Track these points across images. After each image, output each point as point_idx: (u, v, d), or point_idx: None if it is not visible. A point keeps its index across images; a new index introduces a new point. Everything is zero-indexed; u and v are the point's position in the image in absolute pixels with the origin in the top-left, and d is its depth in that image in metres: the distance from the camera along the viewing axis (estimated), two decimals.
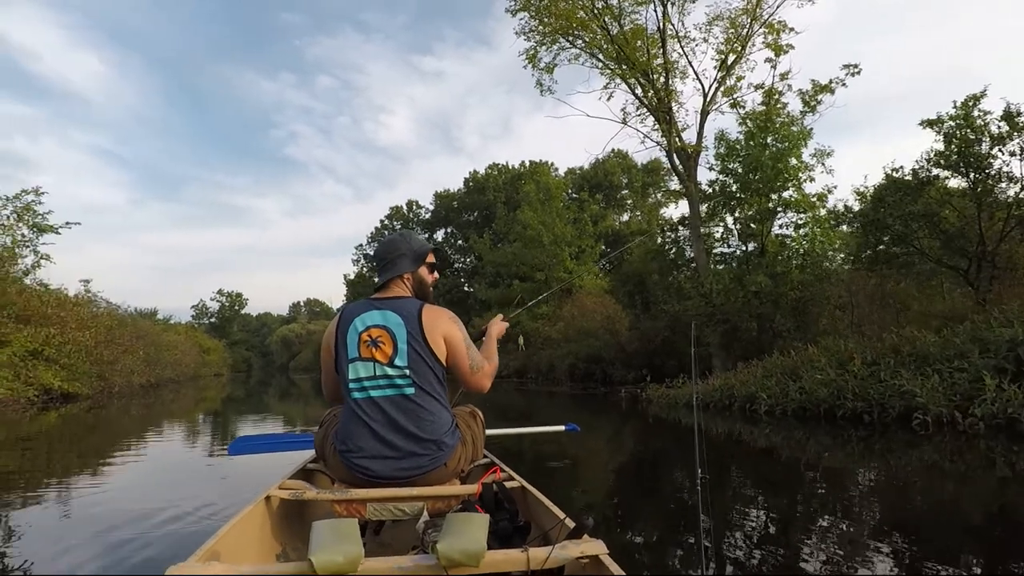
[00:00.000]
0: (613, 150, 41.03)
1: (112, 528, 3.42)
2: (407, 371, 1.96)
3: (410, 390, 1.95)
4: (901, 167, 11.68)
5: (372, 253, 2.74)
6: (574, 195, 42.53)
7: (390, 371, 1.96)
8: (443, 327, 2.05)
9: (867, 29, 64.09)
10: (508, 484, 2.02)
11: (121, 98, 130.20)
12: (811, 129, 15.55)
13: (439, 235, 55.43)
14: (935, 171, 11.12)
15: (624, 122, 18.32)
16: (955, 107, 10.87)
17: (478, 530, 1.36)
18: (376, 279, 2.24)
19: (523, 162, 50.34)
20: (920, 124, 11.44)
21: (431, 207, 57.12)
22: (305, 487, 2.03)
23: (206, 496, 4.21)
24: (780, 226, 16.37)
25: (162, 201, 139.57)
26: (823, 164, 15.58)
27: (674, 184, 44.42)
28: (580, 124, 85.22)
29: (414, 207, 59.26)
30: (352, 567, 1.24)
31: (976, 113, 10.60)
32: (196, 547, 1.43)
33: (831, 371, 8.61)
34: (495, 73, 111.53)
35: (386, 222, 59.45)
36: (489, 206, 49.62)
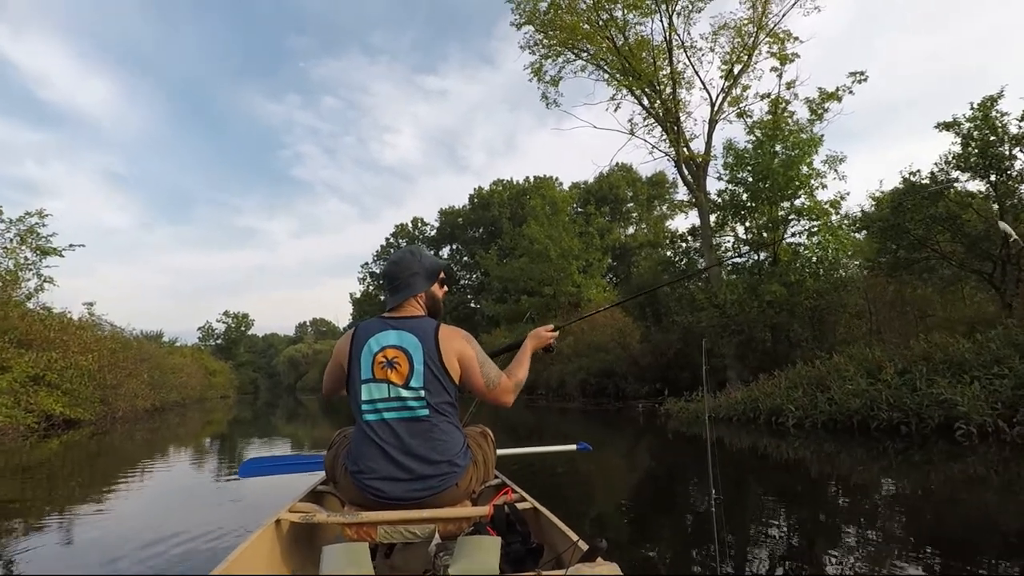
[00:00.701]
0: (618, 163, 40.90)
1: (118, 556, 3.40)
2: (422, 392, 1.93)
3: (424, 412, 1.92)
4: (918, 171, 11.41)
5: (382, 271, 2.63)
6: (579, 209, 42.40)
7: (405, 393, 1.93)
8: (457, 347, 2.03)
9: (870, 33, 64.21)
10: (520, 505, 2.00)
11: (130, 122, 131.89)
12: (822, 136, 15.33)
13: (445, 252, 55.27)
14: (954, 174, 10.81)
15: (632, 133, 18.19)
16: (972, 108, 10.61)
17: (490, 554, 1.36)
18: (385, 297, 2.18)
19: (528, 177, 50.37)
20: (936, 127, 11.19)
21: (436, 224, 57.06)
22: (315, 510, 2.01)
23: (215, 520, 4.18)
24: (793, 234, 16.07)
25: (170, 223, 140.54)
26: (835, 170, 15.33)
27: (680, 196, 44.42)
28: (584, 139, 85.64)
29: (419, 224, 59.21)
30: None
31: (994, 114, 10.32)
32: (206, 573, 1.43)
33: (861, 381, 8.24)
34: (499, 91, 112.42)
35: (391, 240, 59.35)
36: (494, 222, 49.53)
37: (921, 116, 70.87)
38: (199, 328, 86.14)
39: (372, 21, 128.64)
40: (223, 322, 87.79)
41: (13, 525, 4.45)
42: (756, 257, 17.06)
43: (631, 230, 46.73)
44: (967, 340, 8.18)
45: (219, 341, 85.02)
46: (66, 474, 7.83)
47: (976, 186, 10.94)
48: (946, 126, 11.03)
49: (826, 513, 4.32)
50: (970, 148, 10.48)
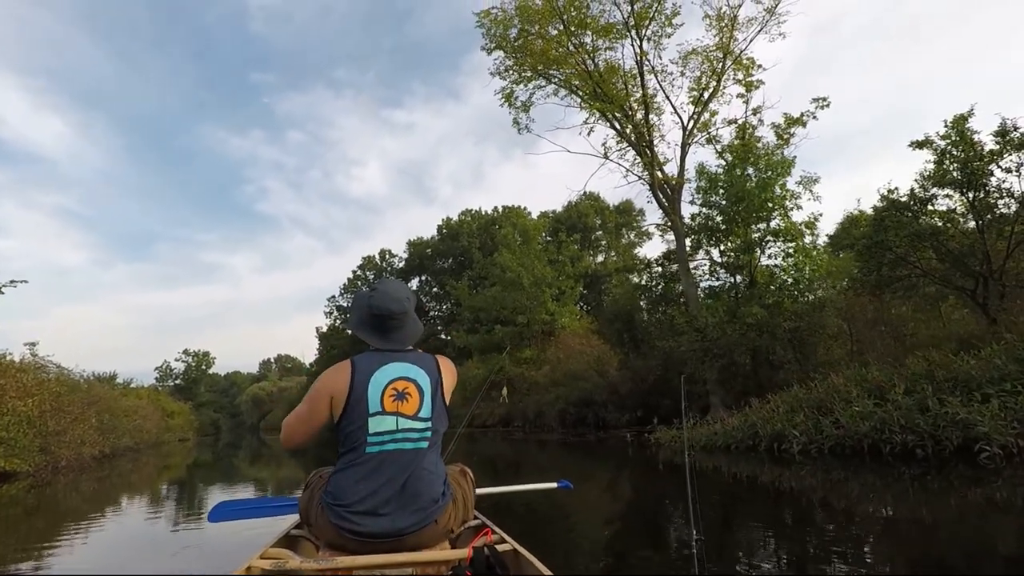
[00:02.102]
0: (586, 192, 41.08)
1: None
2: (430, 424, 1.94)
3: (424, 444, 1.92)
4: (896, 188, 11.42)
5: (369, 307, 2.09)
6: (548, 238, 42.36)
7: (413, 424, 1.92)
8: (451, 381, 2.06)
9: (831, 63, 67.31)
10: (500, 547, 1.96)
11: (86, 159, 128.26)
12: (795, 157, 15.47)
13: (414, 283, 54.53)
14: (933, 190, 10.83)
15: (606, 156, 18.07)
16: (946, 126, 10.71)
17: None
18: (366, 333, 2.08)
19: (496, 207, 50.32)
20: (910, 145, 11.27)
21: (405, 256, 56.40)
22: (288, 555, 1.91)
23: (179, 570, 4.02)
24: (769, 256, 16.05)
25: (129, 261, 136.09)
26: (810, 191, 15.42)
27: (648, 222, 44.92)
28: (552, 168, 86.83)
29: (387, 256, 58.42)
30: None
31: (968, 129, 10.43)
32: None
33: (868, 402, 7.87)
34: (465, 124, 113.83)
35: (359, 272, 58.34)
36: (464, 252, 49.16)
37: (868, 145, 74.10)
38: (156, 368, 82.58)
39: (337, 56, 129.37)
40: (183, 361, 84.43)
41: None
42: (733, 280, 16.97)
43: (600, 258, 46.91)
44: (968, 357, 7.93)
45: (178, 381, 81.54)
46: (1, 531, 7.03)
47: (950, 203, 10.98)
48: (919, 144, 11.13)
49: (831, 548, 3.89)
50: (946, 165, 10.53)
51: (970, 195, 10.47)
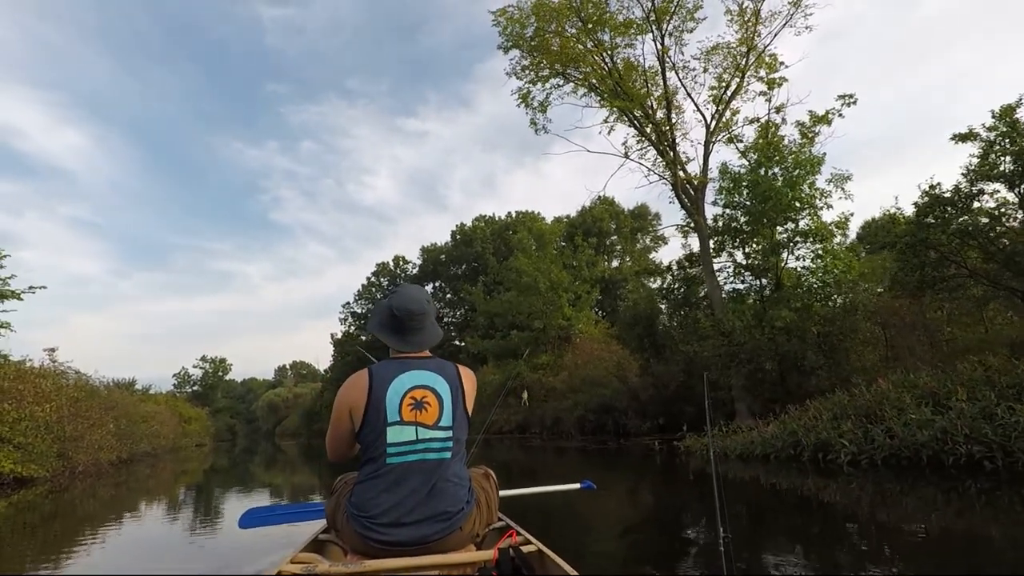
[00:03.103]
0: (600, 197, 40.63)
1: None
2: (451, 433, 1.92)
3: (447, 455, 1.90)
4: (939, 184, 10.89)
5: (392, 309, 2.06)
6: (563, 243, 41.98)
7: (434, 434, 1.90)
8: (472, 390, 2.04)
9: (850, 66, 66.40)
10: (525, 548, 1.98)
11: (103, 170, 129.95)
12: (824, 154, 14.96)
13: (428, 289, 54.10)
14: (979, 185, 10.28)
15: (626, 156, 17.69)
16: (993, 116, 10.18)
17: None
18: (388, 337, 2.05)
19: (510, 213, 50.05)
20: (952, 139, 10.77)
21: (418, 262, 56.30)
22: (317, 560, 1.95)
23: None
24: (797, 258, 15.55)
25: (146, 270, 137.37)
26: (842, 189, 14.90)
27: (664, 226, 44.33)
28: (564, 175, 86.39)
29: (401, 262, 58.38)
30: None
31: (1016, 120, 9.89)
32: None
33: (926, 410, 7.35)
34: (476, 132, 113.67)
35: (373, 279, 58.35)
36: (478, 258, 48.93)
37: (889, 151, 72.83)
38: (174, 375, 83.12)
39: (349, 66, 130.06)
40: (200, 367, 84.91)
41: None
42: (758, 283, 16.49)
43: (615, 263, 46.38)
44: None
45: (196, 387, 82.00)
46: (16, 539, 6.84)
47: (1001, 198, 10.39)
48: (962, 137, 10.62)
49: (882, 563, 3.61)
50: (992, 158, 9.98)
51: (1022, 188, 9.90)
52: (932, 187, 10.89)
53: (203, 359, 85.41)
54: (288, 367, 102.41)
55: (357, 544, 1.90)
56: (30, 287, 16.11)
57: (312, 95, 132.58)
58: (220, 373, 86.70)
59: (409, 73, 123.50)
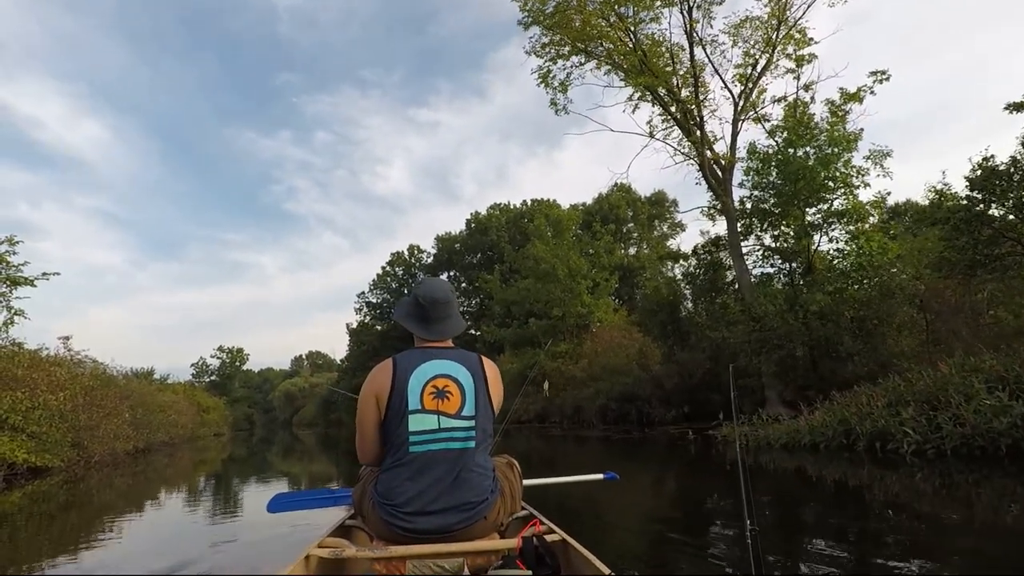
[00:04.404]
0: (617, 184, 39.81)
1: None
2: (473, 423, 1.93)
3: (471, 444, 1.91)
4: (993, 156, 10.13)
5: (417, 298, 2.09)
6: (579, 231, 41.35)
7: (456, 423, 1.91)
8: (498, 385, 2.05)
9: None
10: (549, 537, 1.98)
11: (121, 161, 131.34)
12: (861, 130, 14.22)
13: (443, 278, 53.95)
14: None
15: (651, 135, 17.04)
16: None
17: None
18: (412, 324, 2.07)
19: (525, 201, 49.42)
20: (1006, 108, 10.01)
21: (433, 251, 56.00)
22: (344, 544, 1.99)
23: (239, 556, 4.30)
24: (831, 239, 14.84)
25: (163, 261, 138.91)
26: (881, 166, 14.15)
27: (684, 212, 43.40)
28: (578, 164, 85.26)
29: (416, 252, 58.11)
30: None
31: None
32: None
33: (1002, 395, 6.72)
34: (489, 122, 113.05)
35: (388, 268, 58.18)
36: (493, 247, 48.45)
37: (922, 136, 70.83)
38: (192, 364, 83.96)
39: (362, 57, 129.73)
40: (217, 357, 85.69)
41: None
42: (788, 266, 15.83)
43: (633, 250, 45.64)
44: None
45: (213, 377, 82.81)
46: (32, 529, 6.69)
47: None
48: (1017, 107, 9.86)
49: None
50: None
51: None
52: (986, 159, 10.16)
53: (220, 349, 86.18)
54: (304, 357, 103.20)
55: (382, 531, 1.93)
56: (43, 273, 15.90)
57: (325, 85, 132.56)
58: (237, 363, 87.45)
59: (421, 63, 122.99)
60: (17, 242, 15.39)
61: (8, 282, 15.12)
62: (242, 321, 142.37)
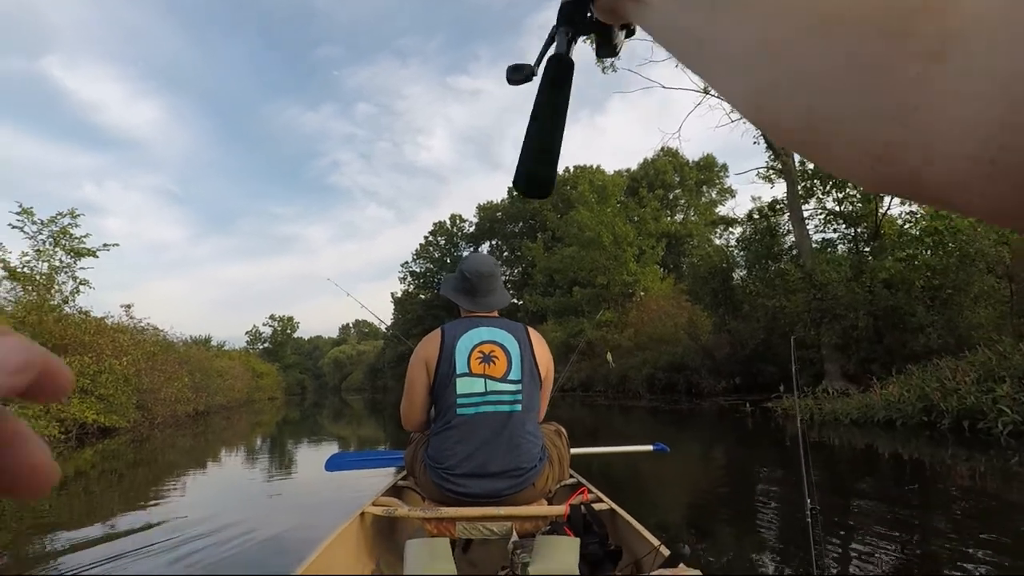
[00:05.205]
0: (663, 148, 38.38)
1: (203, 551, 3.50)
2: (520, 387, 1.96)
3: (518, 407, 1.95)
4: None
5: (464, 271, 2.12)
6: (624, 198, 40.31)
7: (503, 387, 1.95)
8: (546, 357, 2.09)
9: None
10: (597, 506, 2.01)
11: (176, 141, 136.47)
12: None
13: (484, 248, 54.03)
14: None
15: (706, 91, 16.13)
16: None
17: (569, 554, 1.41)
18: (459, 296, 2.14)
19: (568, 168, 48.42)
20: None
21: (475, 220, 55.88)
22: (397, 504, 2.06)
23: (296, 513, 4.50)
24: (902, 202, 13.83)
25: (217, 236, 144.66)
26: None
27: (740, 173, 41.62)
28: (622, 128, 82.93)
29: (457, 221, 58.13)
30: None
31: None
32: (297, 560, 1.56)
33: None
34: (531, 87, 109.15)
35: (431, 238, 58.53)
36: (535, 214, 47.89)
37: None
38: (247, 332, 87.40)
39: (400, 25, 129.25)
40: (269, 325, 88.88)
41: (71, 533, 4.22)
42: (852, 232, 14.91)
43: (679, 217, 44.28)
44: None
45: (266, 344, 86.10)
46: (107, 483, 7.14)
47: None
48: None
49: None
50: None
51: None
52: None
53: (272, 317, 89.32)
54: (351, 325, 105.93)
55: (433, 493, 1.98)
56: (104, 244, 16.53)
57: (364, 56, 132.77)
58: (288, 331, 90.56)
59: (460, 29, 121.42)
60: (79, 215, 15.95)
61: (72, 253, 15.74)
62: (290, 292, 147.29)
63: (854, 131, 0.20)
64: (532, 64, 0.54)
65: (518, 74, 0.55)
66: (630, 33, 0.45)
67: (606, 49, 0.47)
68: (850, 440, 7.69)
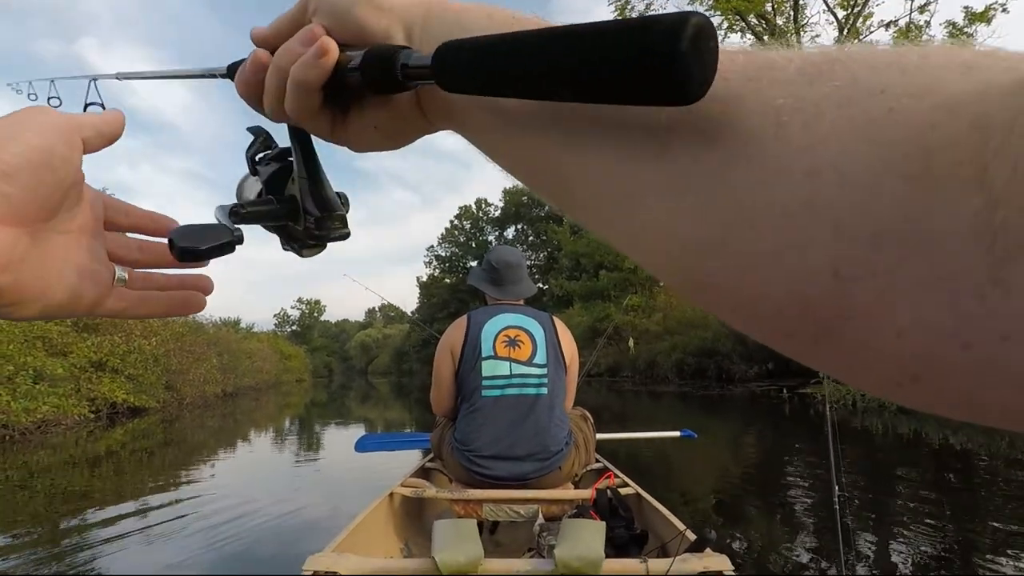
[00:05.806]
0: None
1: (234, 527, 3.54)
2: (545, 370, 2.00)
3: (543, 391, 1.98)
4: None
5: (491, 261, 2.23)
6: None
7: (528, 370, 1.99)
8: (571, 343, 2.16)
9: None
10: (623, 490, 2.02)
11: (204, 124, 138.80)
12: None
13: (510, 232, 53.85)
14: None
15: None
16: None
17: (595, 537, 1.40)
18: (485, 286, 2.21)
19: None
20: None
21: (500, 204, 55.55)
22: (425, 485, 2.15)
23: (328, 492, 4.58)
24: None
25: None
26: None
27: None
28: None
29: (483, 205, 57.85)
30: (473, 567, 1.34)
31: None
32: (327, 538, 1.63)
33: None
34: None
35: (456, 222, 58.41)
36: None
37: None
38: (275, 315, 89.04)
39: None
40: (297, 308, 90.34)
41: (104, 511, 4.22)
42: None
43: None
44: None
45: (294, 327, 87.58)
46: (137, 463, 7.13)
47: None
48: None
49: None
50: None
51: None
52: None
53: (299, 300, 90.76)
54: (377, 309, 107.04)
55: (460, 474, 2.02)
56: None
57: None
58: (315, 314, 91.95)
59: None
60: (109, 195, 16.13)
61: None
62: (317, 275, 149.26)
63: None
64: None
65: None
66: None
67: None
68: (895, 427, 7.28)
